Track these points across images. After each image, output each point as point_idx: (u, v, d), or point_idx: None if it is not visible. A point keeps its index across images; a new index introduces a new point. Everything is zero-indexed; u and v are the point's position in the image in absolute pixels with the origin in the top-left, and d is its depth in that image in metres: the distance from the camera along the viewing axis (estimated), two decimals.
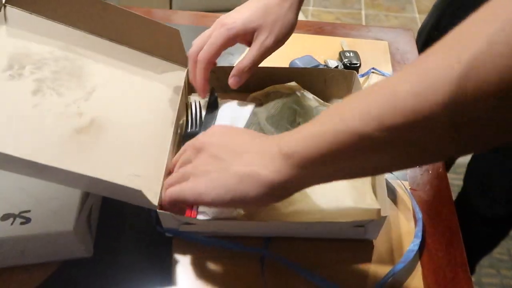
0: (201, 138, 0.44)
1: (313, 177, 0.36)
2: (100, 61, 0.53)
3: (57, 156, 0.43)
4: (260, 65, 0.63)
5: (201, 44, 0.54)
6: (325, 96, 0.64)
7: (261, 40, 0.53)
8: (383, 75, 0.73)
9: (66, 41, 0.54)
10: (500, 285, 1.28)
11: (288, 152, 0.35)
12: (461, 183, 1.00)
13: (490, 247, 1.05)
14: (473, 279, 1.28)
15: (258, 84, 0.61)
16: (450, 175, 0.57)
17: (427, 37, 0.84)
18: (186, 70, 0.60)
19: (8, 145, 0.39)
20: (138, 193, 0.41)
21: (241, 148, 0.40)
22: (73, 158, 0.44)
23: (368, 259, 0.48)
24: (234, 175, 0.38)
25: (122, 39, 0.58)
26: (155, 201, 0.44)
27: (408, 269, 0.48)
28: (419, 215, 0.51)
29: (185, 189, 0.41)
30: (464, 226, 0.52)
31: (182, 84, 0.59)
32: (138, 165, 0.48)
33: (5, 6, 0.52)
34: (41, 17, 0.54)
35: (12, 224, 0.43)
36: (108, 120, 0.49)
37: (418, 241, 0.49)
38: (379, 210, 0.46)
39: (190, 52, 0.55)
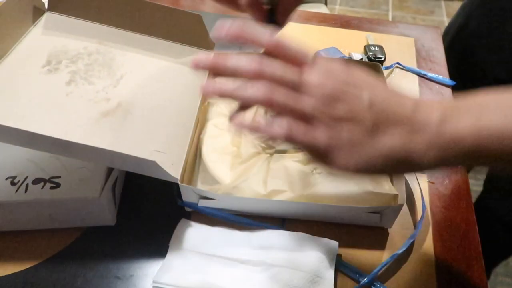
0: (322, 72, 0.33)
1: (463, 163, 0.33)
2: (129, 52, 0.57)
3: (84, 135, 0.47)
4: None
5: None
6: None
7: None
8: (407, 70, 0.73)
9: (99, 38, 0.59)
10: None
11: (456, 138, 0.31)
12: (480, 188, 0.99)
13: (508, 253, 1.03)
14: (488, 286, 1.26)
15: None
16: (470, 181, 0.57)
17: (454, 37, 0.84)
18: (211, 53, 0.62)
19: (42, 127, 0.42)
20: (153, 164, 0.43)
21: (386, 112, 0.32)
22: (99, 137, 0.47)
23: (382, 246, 0.49)
24: (380, 153, 0.32)
25: (149, 30, 0.62)
26: (177, 174, 0.46)
27: (418, 259, 0.48)
28: (424, 208, 0.52)
29: (319, 140, 0.32)
30: (482, 230, 0.52)
31: None
32: (162, 143, 0.50)
33: (46, 12, 0.59)
34: (77, 18, 0.60)
35: (42, 188, 0.46)
36: (134, 103, 0.53)
37: (417, 231, 0.49)
38: (396, 196, 0.47)
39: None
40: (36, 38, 0.56)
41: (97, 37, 0.59)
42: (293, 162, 0.51)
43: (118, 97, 0.53)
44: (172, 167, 0.47)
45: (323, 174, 0.49)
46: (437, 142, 0.31)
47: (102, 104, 0.51)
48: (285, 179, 0.49)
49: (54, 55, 0.54)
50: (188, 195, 0.47)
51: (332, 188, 0.48)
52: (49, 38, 0.57)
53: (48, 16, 0.59)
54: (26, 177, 0.46)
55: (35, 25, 0.57)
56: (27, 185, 0.46)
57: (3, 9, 0.52)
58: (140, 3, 0.59)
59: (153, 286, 0.44)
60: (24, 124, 0.41)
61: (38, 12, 0.58)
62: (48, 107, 0.49)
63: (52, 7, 0.59)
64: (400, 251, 0.47)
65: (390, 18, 2.47)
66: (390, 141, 0.32)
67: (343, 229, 0.49)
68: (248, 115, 0.36)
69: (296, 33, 0.81)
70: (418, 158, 0.32)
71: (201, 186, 0.51)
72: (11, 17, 0.53)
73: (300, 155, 0.51)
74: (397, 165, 0.33)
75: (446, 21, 2.47)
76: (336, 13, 2.46)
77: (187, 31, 0.62)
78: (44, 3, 0.59)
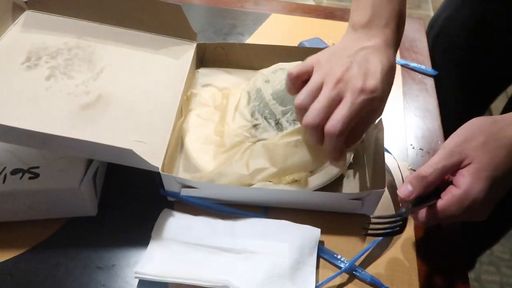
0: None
1: None
2: (109, 46, 0.57)
3: (64, 128, 0.47)
4: (269, 44, 0.64)
5: (322, 109, 0.41)
6: None
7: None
8: None
9: (79, 33, 0.60)
10: (499, 283, 1.28)
11: None
12: None
13: (491, 242, 1.05)
14: (472, 275, 1.29)
15: (265, 62, 0.63)
16: None
17: (440, 29, 0.84)
18: (194, 44, 0.62)
19: (20, 121, 0.42)
20: (131, 153, 0.43)
21: None
22: (79, 129, 0.48)
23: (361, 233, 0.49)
24: None
25: (129, 23, 0.62)
26: (158, 164, 0.46)
27: (399, 244, 0.49)
28: None
29: None
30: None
31: (191, 57, 0.60)
32: (143, 133, 0.50)
33: (26, 10, 0.60)
34: (57, 15, 0.61)
35: (21, 178, 0.45)
36: (114, 95, 0.53)
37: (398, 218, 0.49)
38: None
39: (310, 119, 0.42)
40: (16, 36, 0.57)
41: (77, 33, 0.60)
42: (273, 141, 0.50)
43: (98, 90, 0.53)
44: (154, 156, 0.47)
45: (301, 145, 0.48)
46: None
47: (82, 97, 0.51)
48: (266, 156, 0.49)
49: (34, 52, 0.55)
50: (170, 184, 0.47)
51: (305, 156, 0.48)
52: (29, 35, 0.58)
53: (27, 14, 0.60)
54: (4, 168, 0.46)
55: (15, 24, 0.58)
56: (5, 176, 0.45)
57: None
58: None
59: (135, 277, 0.43)
60: (1, 118, 0.41)
61: (18, 10, 0.59)
62: (28, 102, 0.49)
63: (32, 5, 0.60)
64: (381, 238, 0.48)
65: None
66: None
67: (325, 216, 0.50)
68: None
69: (280, 24, 0.81)
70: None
71: (184, 175, 0.51)
72: None
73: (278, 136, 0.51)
74: None
75: (432, 15, 2.48)
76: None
77: (167, 22, 0.61)
78: (23, 2, 0.60)
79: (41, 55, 0.55)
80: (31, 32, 0.58)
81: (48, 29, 0.59)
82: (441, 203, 0.41)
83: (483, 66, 0.79)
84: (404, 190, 0.43)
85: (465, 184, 0.40)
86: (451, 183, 0.42)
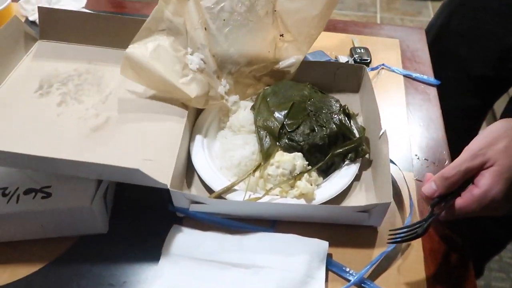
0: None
1: None
2: (117, 68, 0.58)
3: (73, 152, 0.49)
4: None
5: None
6: (334, 90, 0.66)
7: None
8: (393, 71, 0.74)
9: (89, 58, 0.63)
10: None
11: None
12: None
13: (499, 248, 1.04)
14: (482, 282, 1.28)
15: (267, 76, 0.64)
16: None
17: (435, 36, 0.85)
18: None
19: (32, 147, 0.45)
20: (139, 172, 0.43)
21: None
22: (88, 152, 0.49)
23: (371, 245, 0.50)
24: None
25: None
26: (167, 181, 0.47)
27: (407, 256, 0.49)
28: (412, 205, 0.53)
29: None
30: (472, 226, 0.53)
31: None
32: (152, 151, 0.51)
33: (38, 41, 0.64)
34: (67, 43, 0.64)
35: (34, 198, 0.46)
36: (122, 116, 0.54)
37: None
38: None
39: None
40: (29, 65, 0.60)
41: (87, 58, 0.62)
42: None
43: (106, 112, 0.54)
44: (162, 173, 0.47)
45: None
46: None
47: (92, 120, 0.53)
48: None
49: (45, 80, 0.58)
50: (179, 201, 0.48)
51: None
52: (41, 64, 0.61)
53: (39, 44, 0.63)
54: (17, 188, 0.47)
55: (28, 54, 0.61)
56: (18, 196, 0.46)
57: None
58: (122, 20, 0.62)
59: None
60: (13, 146, 0.43)
61: (30, 41, 0.63)
62: (40, 128, 0.51)
63: (44, 36, 0.63)
64: (389, 249, 0.48)
65: (378, 20, 2.50)
66: None
67: (332, 229, 0.50)
68: None
69: None
70: None
71: (194, 191, 0.52)
72: (4, 48, 0.57)
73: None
74: None
75: None
76: None
77: None
78: (35, 32, 0.63)
79: (53, 82, 0.57)
80: (43, 61, 0.61)
81: (59, 57, 0.61)
82: (461, 201, 0.45)
83: (480, 70, 0.80)
84: (429, 188, 0.46)
85: (485, 185, 0.43)
86: (471, 181, 0.45)
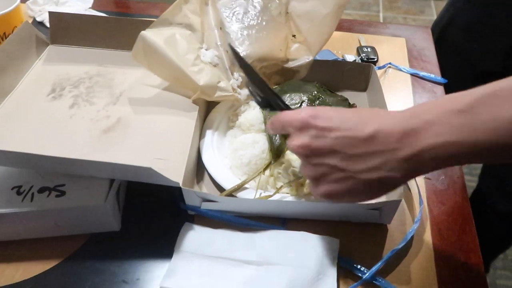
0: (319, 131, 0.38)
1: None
2: (128, 70, 0.60)
3: (86, 152, 0.50)
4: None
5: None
6: (342, 88, 0.66)
7: None
8: (400, 70, 0.74)
9: (99, 61, 0.63)
10: None
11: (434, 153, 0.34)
12: (475, 184, 1.01)
13: (505, 245, 1.05)
14: (487, 280, 1.28)
15: (277, 74, 0.64)
16: (465, 177, 0.59)
17: (441, 33, 0.85)
18: None
19: (45, 149, 0.45)
20: (151, 171, 0.44)
21: (362, 149, 0.36)
22: (100, 152, 0.50)
23: (382, 242, 0.50)
24: (365, 184, 0.37)
25: None
26: (178, 179, 0.47)
27: (417, 253, 0.49)
28: (421, 202, 0.53)
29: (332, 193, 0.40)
30: (479, 224, 0.53)
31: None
32: (163, 150, 0.51)
33: (49, 45, 0.65)
34: (78, 47, 0.66)
35: (48, 196, 0.47)
36: (133, 116, 0.55)
37: (415, 226, 0.50)
38: None
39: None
40: (41, 69, 0.61)
41: (97, 61, 0.63)
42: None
43: (117, 113, 0.55)
44: (174, 172, 0.48)
45: None
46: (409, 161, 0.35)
47: (103, 122, 0.54)
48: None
49: (58, 83, 0.59)
50: (190, 199, 0.49)
51: None
52: (53, 68, 0.62)
53: (51, 48, 0.65)
54: (32, 186, 0.47)
55: (40, 59, 0.63)
56: (32, 194, 0.47)
57: (7, 47, 0.57)
58: (132, 22, 0.63)
59: None
60: (27, 147, 0.43)
61: (42, 46, 0.64)
62: (53, 131, 0.52)
63: (54, 40, 0.65)
64: (400, 246, 0.48)
65: (381, 19, 2.50)
66: (365, 175, 0.37)
67: (343, 227, 0.51)
68: None
69: None
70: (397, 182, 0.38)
71: (204, 189, 0.52)
72: (16, 53, 0.59)
73: None
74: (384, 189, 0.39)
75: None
76: None
77: None
78: (44, 34, 0.64)
79: (65, 85, 0.58)
80: (54, 65, 0.62)
81: (70, 61, 0.63)
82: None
83: (488, 66, 0.80)
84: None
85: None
86: None
